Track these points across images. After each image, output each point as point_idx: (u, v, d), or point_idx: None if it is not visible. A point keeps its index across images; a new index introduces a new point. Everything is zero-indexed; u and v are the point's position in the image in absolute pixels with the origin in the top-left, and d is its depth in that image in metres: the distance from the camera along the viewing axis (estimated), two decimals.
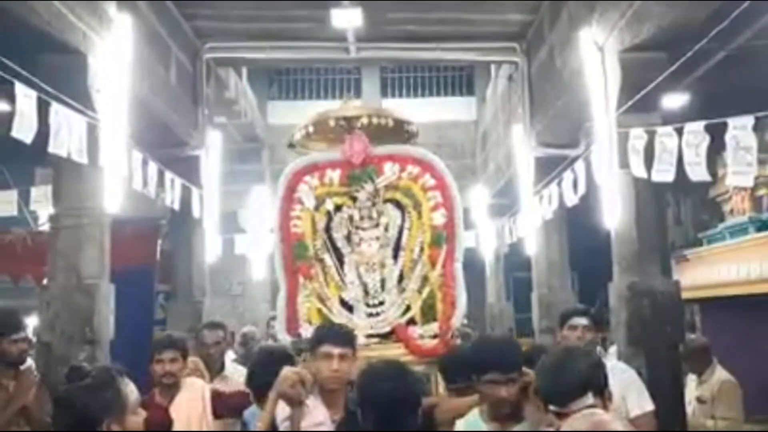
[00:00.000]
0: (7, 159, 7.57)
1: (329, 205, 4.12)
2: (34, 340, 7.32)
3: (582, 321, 3.51)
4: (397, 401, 2.30)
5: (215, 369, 4.51)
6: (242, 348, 6.68)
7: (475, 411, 2.59)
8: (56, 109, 4.30)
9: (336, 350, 2.71)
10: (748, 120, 3.40)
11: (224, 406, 3.68)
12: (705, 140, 3.79)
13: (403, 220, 4.12)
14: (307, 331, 3.77)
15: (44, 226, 7.27)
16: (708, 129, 3.98)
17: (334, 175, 4.14)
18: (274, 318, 7.55)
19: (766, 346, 6.06)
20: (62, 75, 4.72)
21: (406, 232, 4.10)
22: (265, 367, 3.04)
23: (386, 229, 4.11)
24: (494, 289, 13.09)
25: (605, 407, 2.01)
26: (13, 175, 8.37)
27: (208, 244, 8.13)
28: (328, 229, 4.13)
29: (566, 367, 1.99)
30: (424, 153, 4.20)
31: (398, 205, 4.14)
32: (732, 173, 3.51)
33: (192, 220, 7.50)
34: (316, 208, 4.13)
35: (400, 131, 4.31)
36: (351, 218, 4.13)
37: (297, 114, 11.50)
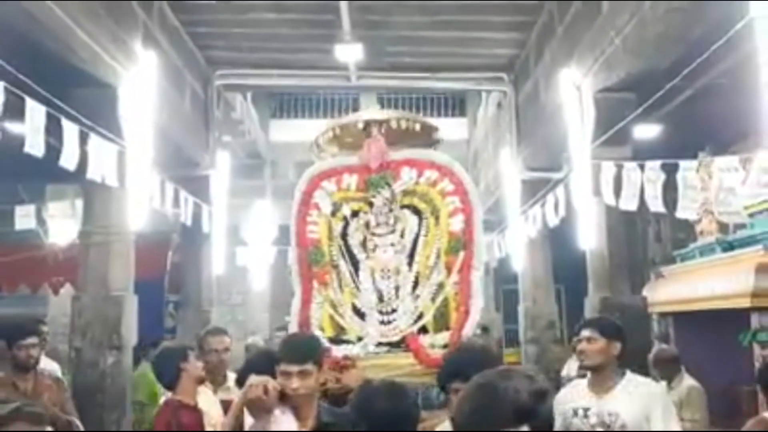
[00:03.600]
0: (21, 175, 8.04)
1: (346, 210, 4.09)
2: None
3: (584, 332, 3.08)
4: (391, 422, 2.22)
5: (219, 380, 3.94)
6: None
7: (447, 422, 2.44)
8: (93, 139, 4.81)
9: (294, 368, 2.48)
10: (693, 163, 3.96)
11: None
12: (661, 177, 4.33)
13: (420, 226, 4.05)
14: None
15: (61, 241, 7.67)
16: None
17: (352, 180, 4.09)
18: (278, 329, 7.64)
19: (729, 355, 6.63)
20: (96, 107, 5.25)
21: (422, 238, 4.02)
22: (260, 366, 2.82)
23: (402, 235, 4.05)
24: (484, 300, 13.52)
25: None
26: (25, 190, 8.82)
27: (215, 257, 8.54)
28: (344, 234, 4.10)
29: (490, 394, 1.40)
30: (442, 157, 4.12)
31: (415, 210, 4.07)
32: (681, 208, 4.07)
33: (201, 234, 7.96)
34: (333, 214, 4.10)
35: (426, 136, 4.29)
36: (367, 224, 4.08)
37: (298, 132, 12.00)
